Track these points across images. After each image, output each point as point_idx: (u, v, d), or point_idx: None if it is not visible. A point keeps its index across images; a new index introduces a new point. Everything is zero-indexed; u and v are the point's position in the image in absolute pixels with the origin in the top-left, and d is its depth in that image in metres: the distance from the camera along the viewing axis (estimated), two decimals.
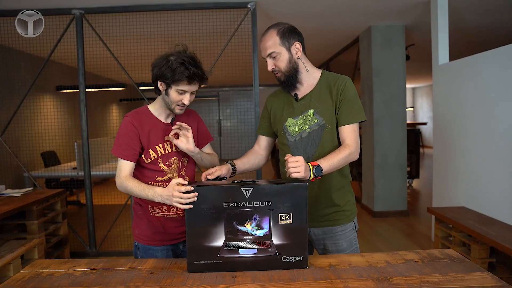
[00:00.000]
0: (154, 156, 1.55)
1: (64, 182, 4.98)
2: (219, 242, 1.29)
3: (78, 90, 3.65)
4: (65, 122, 6.29)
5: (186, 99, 1.49)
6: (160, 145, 1.56)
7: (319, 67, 6.90)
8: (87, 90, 3.67)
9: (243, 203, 1.27)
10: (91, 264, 1.38)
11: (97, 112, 7.44)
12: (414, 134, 6.39)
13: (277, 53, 1.52)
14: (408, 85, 13.31)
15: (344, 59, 6.26)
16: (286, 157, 1.34)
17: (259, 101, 3.58)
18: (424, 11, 3.98)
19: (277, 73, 1.56)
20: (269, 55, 1.53)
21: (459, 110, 3.25)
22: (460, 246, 2.71)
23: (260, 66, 3.61)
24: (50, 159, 5.21)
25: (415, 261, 1.33)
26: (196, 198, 1.27)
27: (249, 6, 3.48)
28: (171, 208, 1.58)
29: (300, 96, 1.59)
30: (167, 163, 1.57)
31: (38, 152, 5.08)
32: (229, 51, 3.64)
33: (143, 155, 1.54)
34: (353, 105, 1.51)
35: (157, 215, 1.59)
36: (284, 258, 1.29)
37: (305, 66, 1.58)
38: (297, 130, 1.57)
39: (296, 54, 1.54)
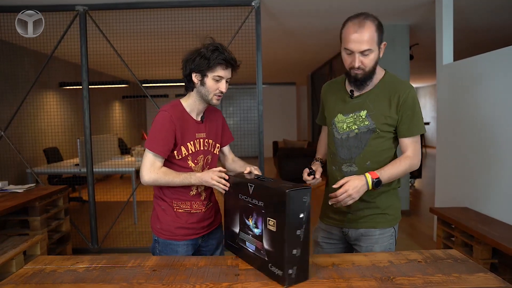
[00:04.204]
0: (185, 153, 1.57)
1: (66, 179, 4.99)
2: (237, 229, 1.38)
3: (81, 87, 3.66)
4: (68, 118, 6.30)
5: (223, 86, 1.52)
6: (192, 142, 1.58)
7: (323, 65, 6.87)
8: (90, 86, 3.68)
9: (248, 198, 1.30)
10: (94, 261, 1.38)
11: (100, 109, 7.45)
12: None
13: (371, 51, 1.40)
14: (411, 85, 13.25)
15: None
16: (332, 195, 1.41)
17: (262, 99, 3.57)
18: (428, 11, 3.96)
19: (357, 71, 1.43)
20: (363, 51, 1.39)
21: (463, 110, 3.23)
22: (462, 246, 2.71)
23: (263, 64, 3.60)
24: (53, 155, 5.22)
25: (418, 261, 1.33)
26: (227, 188, 1.44)
27: (253, 4, 3.47)
28: (194, 204, 1.62)
29: (355, 94, 1.52)
30: (195, 161, 1.60)
31: (40, 149, 5.10)
32: (232, 49, 3.62)
33: (175, 151, 1.55)
34: (414, 116, 1.47)
35: (180, 210, 1.61)
36: (271, 267, 1.20)
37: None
38: (345, 128, 1.52)
39: (380, 53, 1.45)
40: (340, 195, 1.38)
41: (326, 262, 1.33)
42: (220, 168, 1.49)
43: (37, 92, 5.34)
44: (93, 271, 1.30)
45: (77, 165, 4.58)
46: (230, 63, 1.50)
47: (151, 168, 1.51)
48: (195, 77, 1.53)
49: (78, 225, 3.87)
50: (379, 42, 1.42)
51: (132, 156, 5.40)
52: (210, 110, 1.68)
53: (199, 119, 1.62)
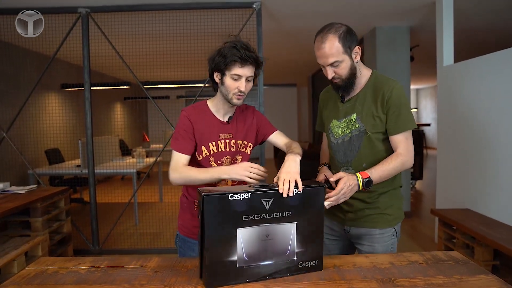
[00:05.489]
0: (206, 153, 1.53)
1: (67, 180, 5.00)
2: None
3: (82, 88, 3.67)
4: (69, 120, 6.32)
5: (242, 85, 1.45)
6: (214, 143, 1.54)
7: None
8: (91, 88, 3.69)
9: None
10: (96, 262, 1.38)
11: (101, 110, 7.47)
12: (417, 135, 6.38)
13: (340, 62, 1.43)
14: (412, 86, 13.28)
15: None
16: (330, 195, 1.36)
17: (263, 100, 3.58)
18: (429, 12, 3.97)
19: (335, 80, 1.48)
20: (331, 64, 1.43)
21: (463, 111, 3.23)
22: (463, 248, 2.71)
23: (264, 66, 3.61)
24: (54, 156, 5.24)
25: (419, 263, 1.33)
26: (261, 177, 1.38)
27: (254, 6, 3.48)
28: None
29: (346, 98, 1.55)
30: (218, 162, 1.55)
31: (42, 150, 5.11)
32: None
33: (195, 151, 1.54)
34: (400, 113, 1.45)
35: None
36: None
37: (359, 69, 1.52)
38: (340, 133, 1.56)
39: (355, 58, 1.46)
40: (338, 193, 1.36)
41: (327, 264, 1.33)
42: (252, 164, 1.41)
43: (39, 94, 5.36)
44: (95, 272, 1.30)
45: (78, 166, 4.59)
46: (248, 60, 1.43)
47: (175, 167, 1.48)
48: (216, 77, 1.49)
49: (79, 226, 3.88)
50: (347, 50, 1.43)
51: (133, 157, 5.41)
52: (241, 110, 1.63)
53: (225, 119, 1.57)
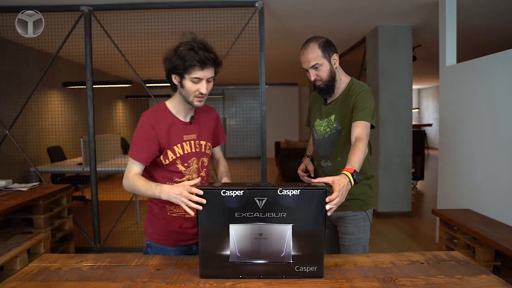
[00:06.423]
0: (172, 157, 1.48)
1: (69, 178, 5.01)
2: None
3: (84, 87, 3.67)
4: (71, 118, 6.33)
5: (203, 88, 1.42)
6: (179, 145, 1.49)
7: None
8: (93, 86, 3.69)
9: None
10: (98, 259, 1.39)
11: (103, 109, 7.48)
12: (419, 135, 6.37)
13: (320, 65, 1.65)
14: (414, 86, 13.26)
15: (350, 59, 6.25)
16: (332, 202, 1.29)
17: (265, 99, 3.58)
18: (431, 12, 3.96)
19: (318, 82, 1.70)
20: (313, 66, 1.66)
21: (465, 112, 3.23)
22: (464, 248, 2.71)
23: (266, 65, 3.61)
24: (56, 154, 5.25)
25: (421, 263, 1.33)
26: (200, 207, 1.22)
27: (256, 5, 3.48)
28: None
29: (328, 101, 1.77)
30: (185, 164, 1.50)
31: (44, 147, 5.12)
32: (236, 50, 3.64)
33: (161, 157, 1.47)
34: (366, 106, 1.61)
35: (174, 215, 1.53)
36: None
37: (339, 75, 1.73)
38: (322, 131, 1.78)
39: (334, 64, 1.68)
40: (338, 195, 1.31)
41: (328, 263, 1.33)
42: (195, 181, 1.32)
43: (42, 92, 5.36)
44: (97, 269, 1.31)
45: (80, 164, 4.60)
46: (207, 63, 1.38)
47: (127, 173, 1.44)
48: (174, 79, 1.44)
49: (81, 224, 3.89)
50: (327, 55, 1.65)
51: None
52: (202, 110, 1.58)
53: (187, 120, 1.53)
